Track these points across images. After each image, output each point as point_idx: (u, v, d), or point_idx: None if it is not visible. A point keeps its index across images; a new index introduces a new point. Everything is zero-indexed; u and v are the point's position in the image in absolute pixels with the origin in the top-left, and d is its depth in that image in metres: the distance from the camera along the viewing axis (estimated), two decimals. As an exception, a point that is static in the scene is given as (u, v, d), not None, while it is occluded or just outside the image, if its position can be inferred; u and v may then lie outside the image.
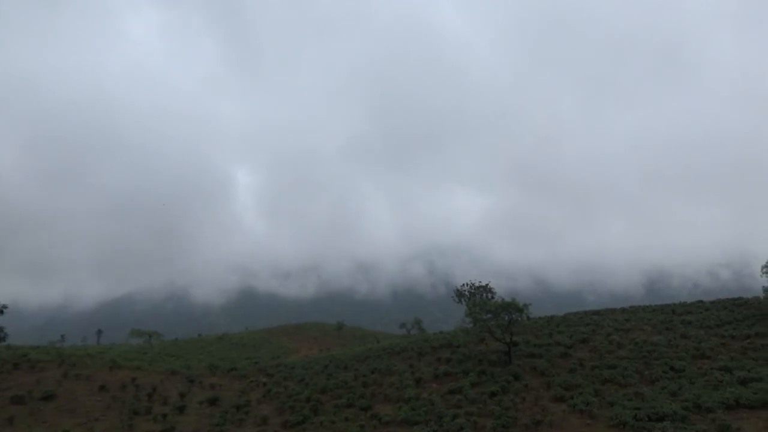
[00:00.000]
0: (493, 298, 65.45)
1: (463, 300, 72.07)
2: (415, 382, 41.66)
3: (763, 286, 50.15)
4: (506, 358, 43.97)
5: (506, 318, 44.37)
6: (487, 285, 71.60)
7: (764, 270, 50.13)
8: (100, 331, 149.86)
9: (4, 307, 52.73)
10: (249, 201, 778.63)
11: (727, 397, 29.91)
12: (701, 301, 61.13)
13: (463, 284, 73.64)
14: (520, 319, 45.16)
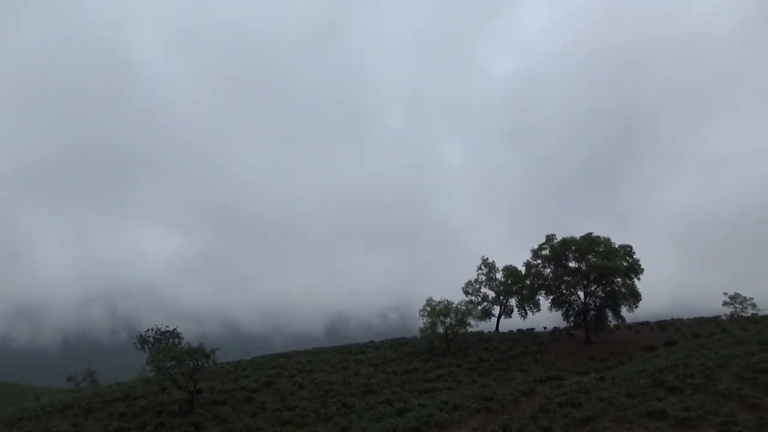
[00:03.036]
0: (180, 343, 62.35)
1: (146, 347, 66.98)
2: (80, 443, 36.86)
3: (419, 328, 58.78)
4: (188, 407, 42.19)
5: (191, 364, 42.87)
6: (174, 330, 67.95)
7: (421, 313, 58.84)
8: None
9: None
10: None
11: (387, 428, 33.84)
12: (372, 342, 68.59)
13: (148, 329, 68.55)
14: (206, 365, 44.14)
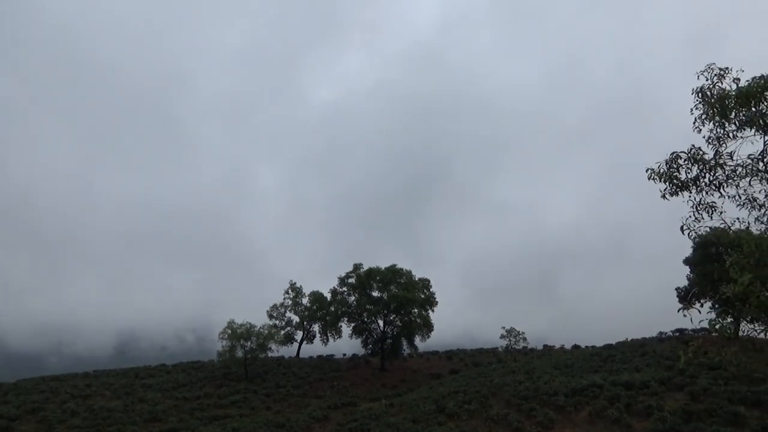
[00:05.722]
0: None
1: None
2: None
3: (218, 351, 56.36)
4: None
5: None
6: None
7: (221, 336, 56.52)
8: None
9: None
10: None
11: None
12: (164, 365, 64.09)
13: None
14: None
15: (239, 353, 54.87)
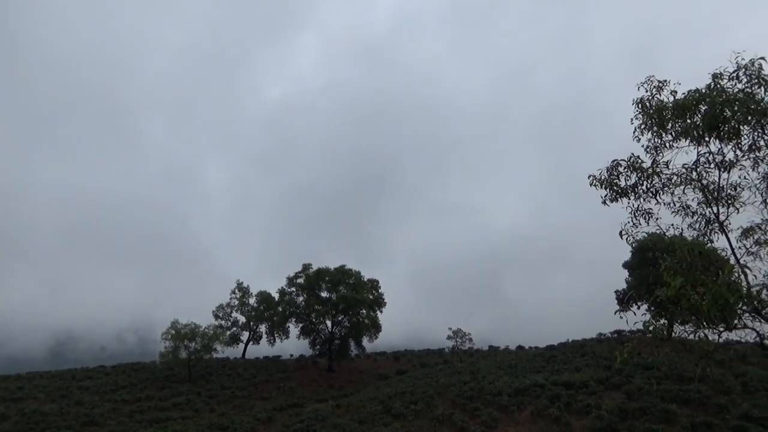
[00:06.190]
0: None
1: None
2: None
3: (160, 352, 54.79)
4: None
5: None
6: None
7: (164, 336, 55.00)
8: None
9: None
10: None
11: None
12: (103, 366, 61.86)
13: None
14: None
15: (183, 354, 53.53)
